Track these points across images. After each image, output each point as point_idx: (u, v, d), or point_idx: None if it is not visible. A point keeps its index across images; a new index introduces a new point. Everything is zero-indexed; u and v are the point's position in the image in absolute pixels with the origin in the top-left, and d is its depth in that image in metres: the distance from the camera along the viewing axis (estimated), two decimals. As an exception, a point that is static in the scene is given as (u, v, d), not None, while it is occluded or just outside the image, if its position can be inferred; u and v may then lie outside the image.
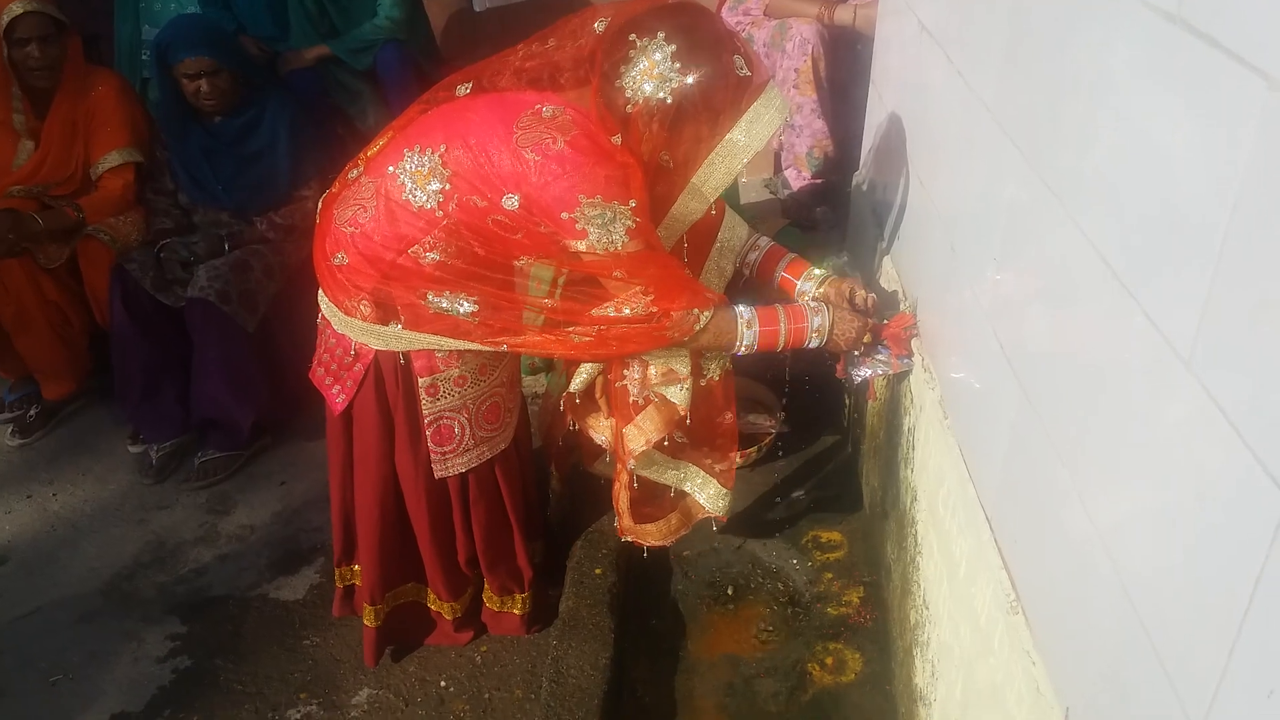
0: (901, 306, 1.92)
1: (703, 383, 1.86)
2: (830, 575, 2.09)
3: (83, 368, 3.10)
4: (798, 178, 3.12)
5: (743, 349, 1.75)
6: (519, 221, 1.60)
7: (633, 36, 1.53)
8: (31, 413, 3.06)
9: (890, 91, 2.21)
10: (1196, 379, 0.82)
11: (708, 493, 1.99)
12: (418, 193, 1.63)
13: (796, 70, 2.97)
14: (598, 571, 2.04)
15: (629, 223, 1.56)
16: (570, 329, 1.71)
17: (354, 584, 2.10)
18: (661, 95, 1.52)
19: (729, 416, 1.95)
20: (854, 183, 2.53)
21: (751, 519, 2.26)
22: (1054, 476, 1.14)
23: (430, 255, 1.64)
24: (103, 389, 3.10)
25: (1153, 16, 0.88)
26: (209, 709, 2.09)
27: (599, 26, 1.60)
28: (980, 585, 1.36)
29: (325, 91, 3.34)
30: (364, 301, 1.71)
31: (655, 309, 1.66)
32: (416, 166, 1.63)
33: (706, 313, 1.69)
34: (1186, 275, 0.84)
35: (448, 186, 1.61)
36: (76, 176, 2.93)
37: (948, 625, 1.53)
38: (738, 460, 2.33)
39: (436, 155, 1.62)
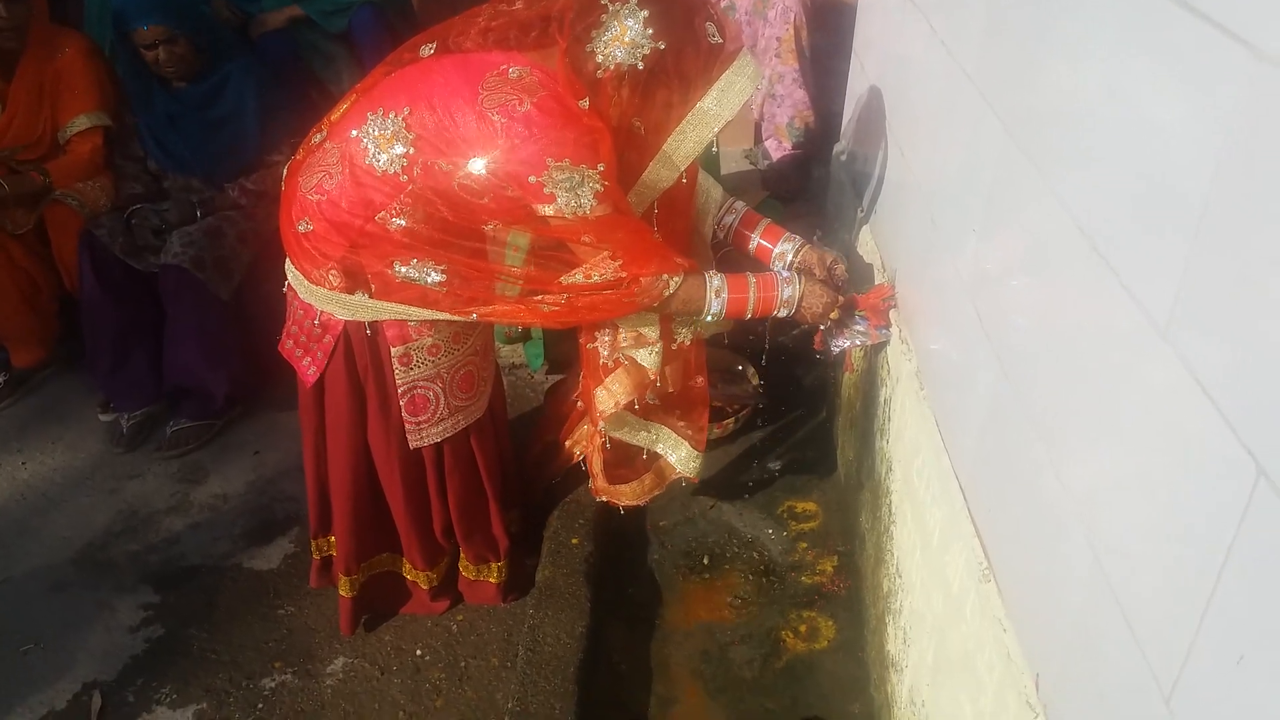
0: (880, 278, 1.92)
1: (674, 347, 1.86)
2: (805, 545, 2.11)
3: (52, 335, 3.04)
4: (778, 148, 3.11)
5: (710, 316, 1.75)
6: (485, 186, 1.57)
7: (605, 1, 1.51)
8: (0, 381, 3.01)
9: (872, 61, 2.20)
10: (1173, 348, 0.82)
11: (679, 454, 2.00)
12: (380, 156, 1.60)
13: (778, 39, 2.94)
14: (574, 541, 2.05)
15: (597, 186, 1.54)
16: (540, 297, 1.70)
17: (331, 555, 2.10)
18: (633, 62, 1.50)
19: (700, 381, 1.95)
20: (834, 153, 2.52)
21: (728, 488, 2.27)
22: (1029, 447, 1.15)
23: (397, 221, 1.62)
24: (72, 357, 3.05)
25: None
26: (183, 678, 2.08)
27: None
28: (953, 554, 1.38)
29: (298, 55, 3.27)
30: (332, 271, 1.69)
31: (624, 274, 1.65)
32: (380, 130, 1.60)
33: (676, 278, 1.68)
34: (1165, 245, 0.84)
35: (411, 150, 1.58)
36: (44, 140, 2.86)
37: (920, 593, 1.54)
38: (715, 431, 2.34)
39: (400, 118, 1.59)
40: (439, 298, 1.69)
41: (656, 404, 1.96)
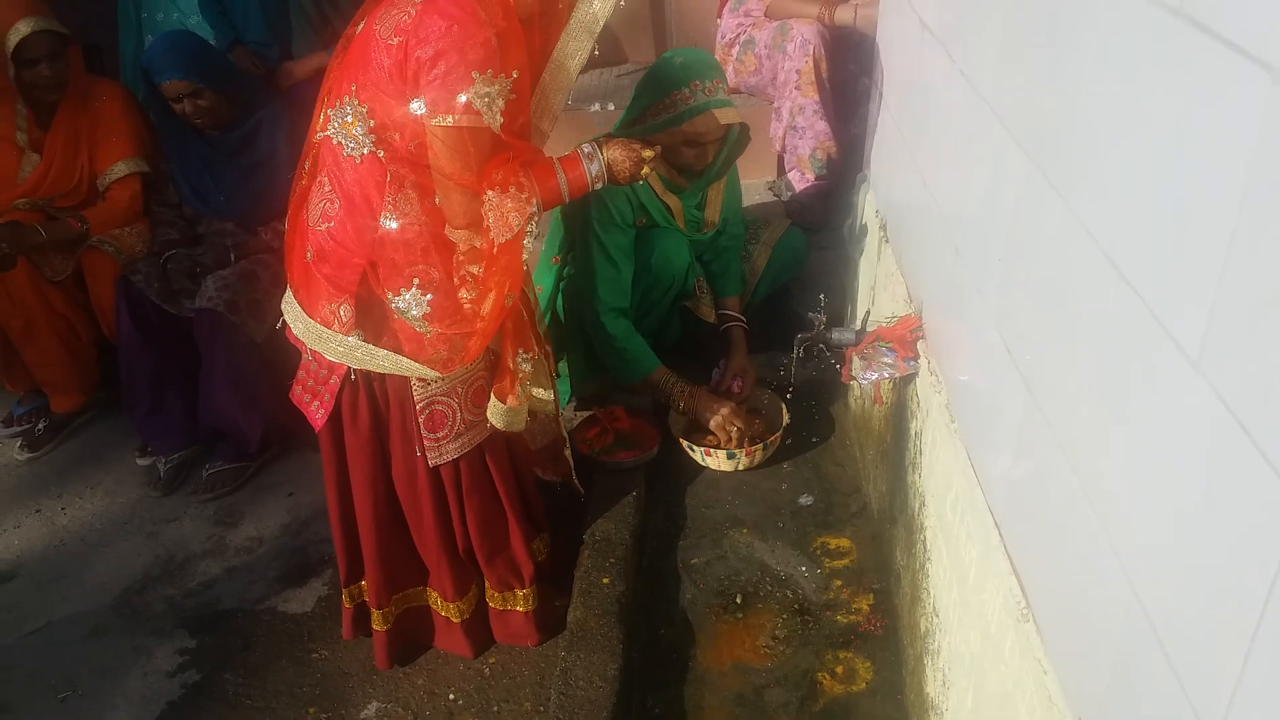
0: (906, 308, 1.90)
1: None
2: (839, 582, 2.07)
3: (90, 380, 3.11)
4: (801, 180, 3.10)
5: (534, 208, 1.72)
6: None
7: None
8: (40, 426, 3.07)
9: (892, 91, 2.19)
10: (1205, 380, 0.80)
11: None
12: (350, 144, 1.64)
13: (798, 71, 2.95)
14: (605, 581, 2.03)
15: (510, 95, 1.56)
16: (489, 297, 1.71)
17: (363, 601, 2.10)
18: None
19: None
20: (857, 183, 2.51)
21: (759, 523, 2.24)
22: (1063, 480, 1.12)
23: (389, 224, 1.65)
24: (111, 401, 3.11)
25: (1156, 10, 0.87)
26: (218, 723, 2.08)
27: None
28: (990, 592, 1.34)
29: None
30: (344, 305, 1.70)
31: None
32: (341, 119, 1.64)
33: (537, 198, 1.69)
34: (1194, 273, 0.82)
35: (372, 123, 1.62)
36: (82, 188, 2.94)
37: (958, 633, 1.51)
38: (745, 462, 2.33)
39: (351, 98, 1.62)
40: (422, 343, 1.71)
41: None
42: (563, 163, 1.78)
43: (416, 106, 1.56)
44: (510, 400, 1.83)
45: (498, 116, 1.56)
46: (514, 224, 1.65)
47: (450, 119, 1.55)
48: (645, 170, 1.85)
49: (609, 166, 1.81)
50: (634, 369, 2.47)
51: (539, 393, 1.97)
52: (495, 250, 1.66)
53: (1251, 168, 0.73)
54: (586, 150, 1.81)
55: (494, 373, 1.89)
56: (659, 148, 1.90)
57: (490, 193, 1.63)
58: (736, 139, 2.43)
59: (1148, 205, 0.91)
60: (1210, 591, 0.81)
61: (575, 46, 1.67)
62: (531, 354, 1.88)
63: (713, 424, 2.38)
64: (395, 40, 1.55)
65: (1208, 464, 0.81)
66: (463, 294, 1.72)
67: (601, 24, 1.66)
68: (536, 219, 1.70)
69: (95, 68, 3.33)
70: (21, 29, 2.71)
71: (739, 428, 2.37)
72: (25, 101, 2.86)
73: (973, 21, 1.50)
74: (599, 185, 1.82)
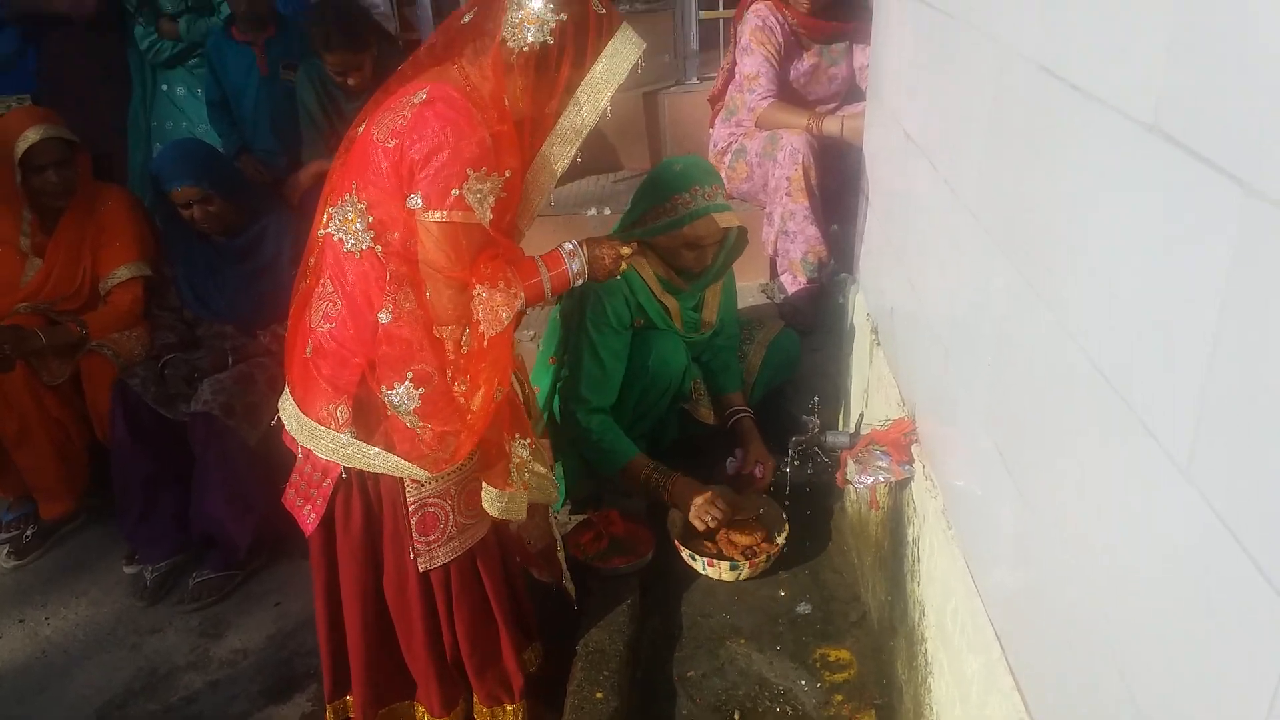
0: (899, 412, 1.90)
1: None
2: (840, 697, 2.00)
3: (81, 486, 3.07)
4: (793, 282, 3.14)
5: (520, 304, 1.75)
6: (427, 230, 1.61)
7: None
8: (28, 533, 3.02)
9: (880, 198, 2.24)
10: (1196, 489, 0.79)
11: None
12: (351, 240, 1.66)
13: (788, 179, 3.02)
14: (599, 696, 1.96)
15: (501, 194, 1.61)
16: (479, 391, 1.71)
17: (348, 718, 2.03)
18: (543, 39, 1.60)
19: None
20: (848, 287, 2.54)
21: (757, 634, 2.18)
22: (1060, 590, 1.10)
23: (386, 319, 1.66)
24: (100, 507, 3.07)
25: (1130, 126, 0.89)
26: None
27: (467, 17, 1.68)
28: (993, 708, 1.29)
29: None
30: (341, 406, 1.70)
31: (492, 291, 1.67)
32: (342, 216, 1.67)
33: (522, 294, 1.72)
34: (1178, 381, 0.81)
35: (371, 219, 1.64)
36: (83, 292, 2.96)
37: (963, 750, 1.44)
38: (746, 571, 2.28)
39: (352, 196, 1.65)
40: (414, 441, 1.70)
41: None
42: (545, 260, 1.82)
43: (412, 201, 1.60)
44: (502, 484, 1.81)
45: (488, 213, 1.60)
46: (503, 318, 1.67)
47: (442, 214, 1.58)
48: (623, 266, 1.91)
49: (590, 264, 1.86)
50: (612, 459, 2.46)
51: (539, 469, 1.93)
52: (485, 344, 1.67)
53: (1229, 276, 0.74)
54: (568, 248, 1.86)
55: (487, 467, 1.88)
56: (636, 244, 1.96)
57: (480, 288, 1.66)
58: (734, 242, 2.48)
59: (1130, 314, 0.91)
60: (1213, 704, 0.78)
61: (560, 150, 1.72)
62: (529, 441, 1.86)
63: (691, 515, 2.35)
64: (392, 143, 1.59)
65: (1202, 575, 0.79)
66: (457, 387, 1.72)
67: (588, 130, 1.71)
68: (523, 314, 1.73)
69: (104, 174, 3.41)
70: (30, 136, 2.77)
71: (716, 516, 2.33)
72: (31, 207, 2.90)
73: (955, 134, 1.54)
74: (579, 282, 1.87)
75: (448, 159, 1.55)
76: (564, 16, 1.60)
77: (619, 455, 2.45)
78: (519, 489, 1.83)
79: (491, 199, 1.60)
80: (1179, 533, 0.82)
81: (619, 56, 1.67)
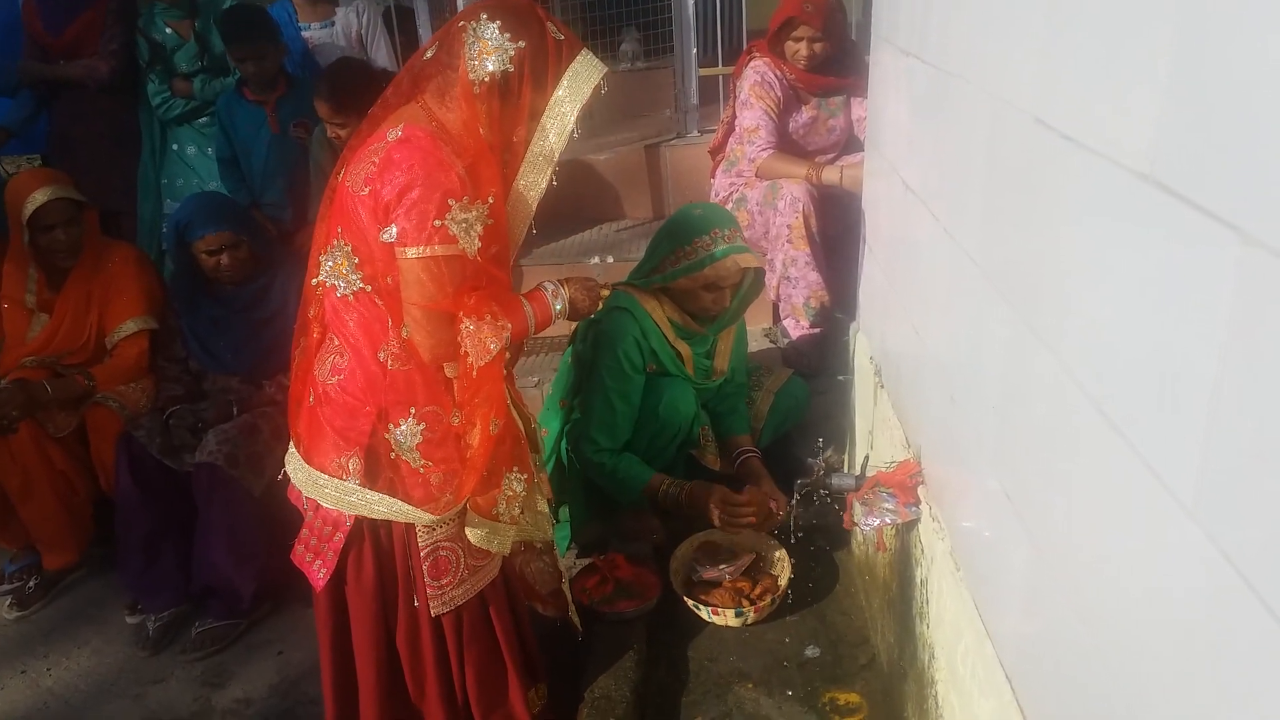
0: (905, 454, 1.91)
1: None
2: (851, 740, 1.99)
3: (85, 537, 3.07)
4: (796, 327, 3.18)
5: (507, 336, 1.75)
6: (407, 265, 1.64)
7: (460, 25, 1.65)
8: (31, 584, 3.02)
9: (880, 246, 2.28)
10: (1202, 530, 0.80)
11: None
12: (343, 284, 1.69)
13: (789, 226, 3.07)
14: (606, 742, 1.95)
15: (487, 221, 1.63)
16: (474, 428, 1.73)
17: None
18: (503, 67, 1.63)
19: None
20: (852, 331, 2.57)
21: (765, 679, 2.17)
22: (1070, 631, 1.10)
23: (388, 361, 1.69)
24: (103, 558, 3.06)
25: (1126, 176, 0.91)
26: None
27: (429, 53, 1.71)
28: (1006, 751, 1.29)
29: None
30: (354, 459, 1.71)
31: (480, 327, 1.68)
32: (333, 261, 1.70)
33: (509, 325, 1.73)
34: (1182, 424, 0.83)
35: (357, 260, 1.67)
36: (90, 345, 2.99)
37: (977, 796, 1.44)
38: (752, 615, 2.28)
39: (339, 240, 1.69)
40: (418, 480, 1.71)
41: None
42: (528, 297, 1.87)
43: (387, 235, 1.62)
44: (485, 514, 1.81)
45: (475, 241, 1.62)
46: (491, 348, 1.69)
47: (419, 250, 1.60)
48: (599, 306, 2.00)
49: (570, 302, 1.94)
50: (632, 485, 2.51)
51: (539, 504, 1.96)
52: (475, 375, 1.69)
53: (1229, 322, 0.76)
54: (550, 288, 1.92)
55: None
56: (610, 284, 2.06)
57: (466, 321, 1.68)
58: (750, 285, 2.53)
59: (1132, 359, 0.93)
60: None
61: (534, 179, 1.76)
62: (526, 476, 1.87)
63: (711, 516, 2.43)
64: (365, 190, 1.63)
65: (1211, 617, 0.80)
66: (453, 419, 1.75)
67: (558, 155, 1.75)
68: (521, 348, 1.75)
69: (112, 231, 3.45)
70: (38, 198, 2.81)
71: (732, 504, 2.41)
72: (38, 265, 2.94)
73: (953, 184, 1.58)
74: (560, 320, 1.94)
75: (420, 195, 1.58)
76: (522, 44, 1.64)
77: (636, 480, 2.50)
78: (506, 523, 1.84)
79: (479, 226, 1.62)
80: (1189, 576, 0.84)
81: (580, 78, 1.71)
